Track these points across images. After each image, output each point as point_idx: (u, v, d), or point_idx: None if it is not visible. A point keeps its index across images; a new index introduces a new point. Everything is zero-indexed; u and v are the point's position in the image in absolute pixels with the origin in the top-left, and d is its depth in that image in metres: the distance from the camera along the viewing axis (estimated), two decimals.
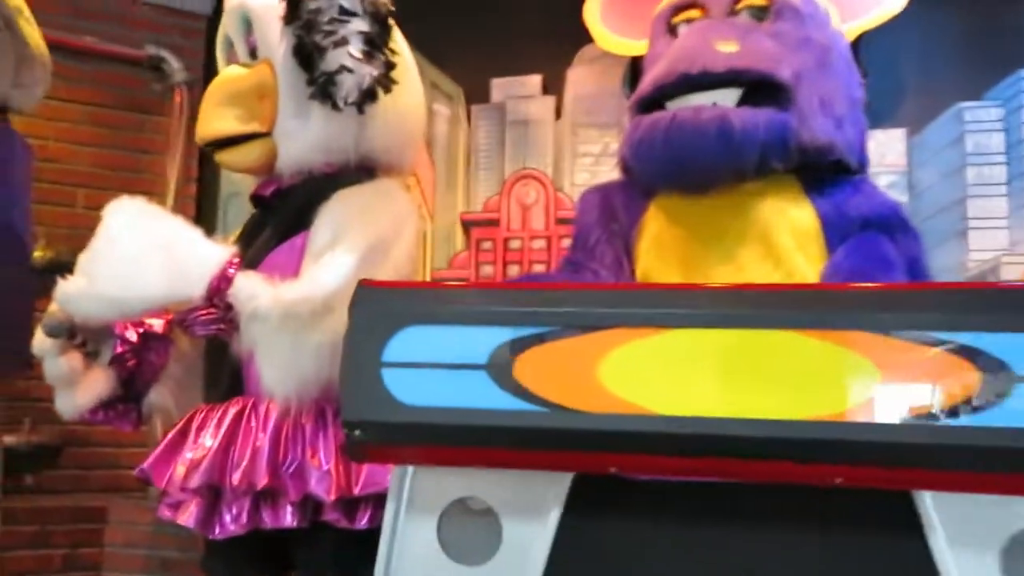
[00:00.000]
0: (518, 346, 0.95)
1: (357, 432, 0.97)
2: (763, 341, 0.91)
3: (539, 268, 2.77)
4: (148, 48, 2.97)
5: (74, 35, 2.85)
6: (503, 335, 0.95)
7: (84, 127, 2.91)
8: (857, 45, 1.76)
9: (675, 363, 0.93)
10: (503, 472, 1.03)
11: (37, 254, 2.53)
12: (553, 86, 2.91)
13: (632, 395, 0.92)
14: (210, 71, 3.11)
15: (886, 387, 0.88)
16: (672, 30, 1.75)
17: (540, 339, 0.94)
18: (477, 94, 2.91)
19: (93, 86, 2.94)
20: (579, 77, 2.85)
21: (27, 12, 2.02)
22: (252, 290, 1.51)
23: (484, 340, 0.95)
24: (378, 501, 1.59)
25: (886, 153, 2.48)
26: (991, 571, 0.93)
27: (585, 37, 2.73)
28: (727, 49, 1.56)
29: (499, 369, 0.94)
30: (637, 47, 2.60)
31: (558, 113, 2.90)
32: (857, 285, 1.15)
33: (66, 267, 2.30)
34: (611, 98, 2.81)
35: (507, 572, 1.03)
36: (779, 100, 1.52)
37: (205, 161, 3.09)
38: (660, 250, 1.63)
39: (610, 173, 2.85)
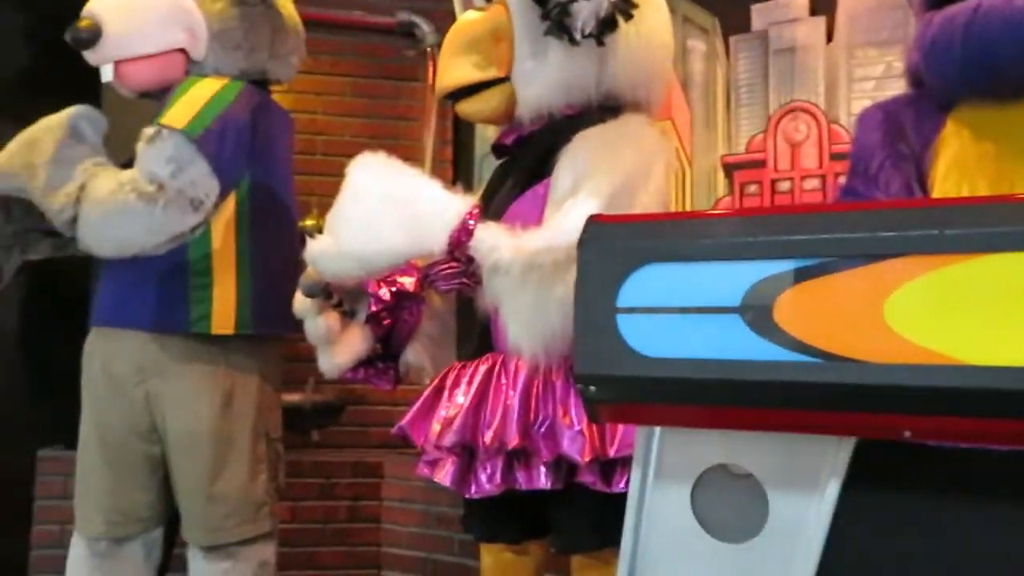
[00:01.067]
0: (778, 284, 0.78)
1: (592, 388, 0.84)
2: None
3: None
4: (400, 14, 3.02)
5: (332, 10, 2.95)
6: (759, 271, 0.78)
7: (347, 99, 3.01)
8: None
9: (987, 298, 0.72)
10: (768, 436, 0.87)
11: (309, 223, 2.65)
12: (822, 5, 2.59)
13: (930, 340, 0.72)
14: None
15: None
16: None
17: (806, 274, 0.77)
18: (735, 23, 2.66)
19: (353, 58, 3.04)
20: None
21: None
22: (493, 241, 1.44)
23: (736, 278, 0.79)
24: None
25: None
26: None
27: None
28: None
29: (756, 312, 0.78)
30: None
31: (829, 36, 2.57)
32: None
33: None
34: (893, 10, 2.46)
35: (776, 552, 0.87)
36: None
37: (459, 123, 3.10)
38: (963, 172, 1.35)
39: None
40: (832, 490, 0.85)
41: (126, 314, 1.89)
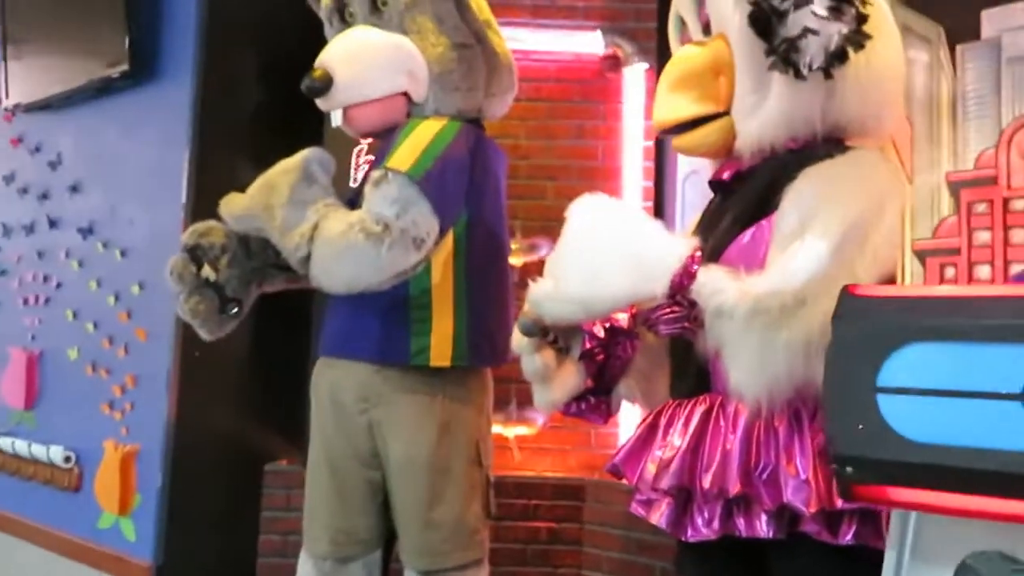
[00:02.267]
0: None
1: (848, 469, 0.81)
2: None
3: None
4: (604, 35, 3.03)
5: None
6: None
7: (549, 122, 3.06)
8: None
9: None
10: None
11: (514, 246, 2.71)
12: None
13: None
14: (663, 53, 3.09)
15: None
16: None
17: None
18: (962, 31, 2.48)
19: (555, 82, 3.08)
20: None
21: (494, 23, 2.14)
22: (716, 285, 1.41)
23: (1016, 362, 0.73)
24: (864, 515, 1.41)
25: None
26: None
27: None
28: None
29: None
30: None
31: None
32: None
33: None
34: None
35: None
36: None
37: (661, 143, 3.07)
38: None
39: None
40: None
41: (352, 346, 2.00)
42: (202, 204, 2.68)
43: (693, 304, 1.43)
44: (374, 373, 1.98)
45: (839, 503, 1.41)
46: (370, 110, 2.02)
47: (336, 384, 2.02)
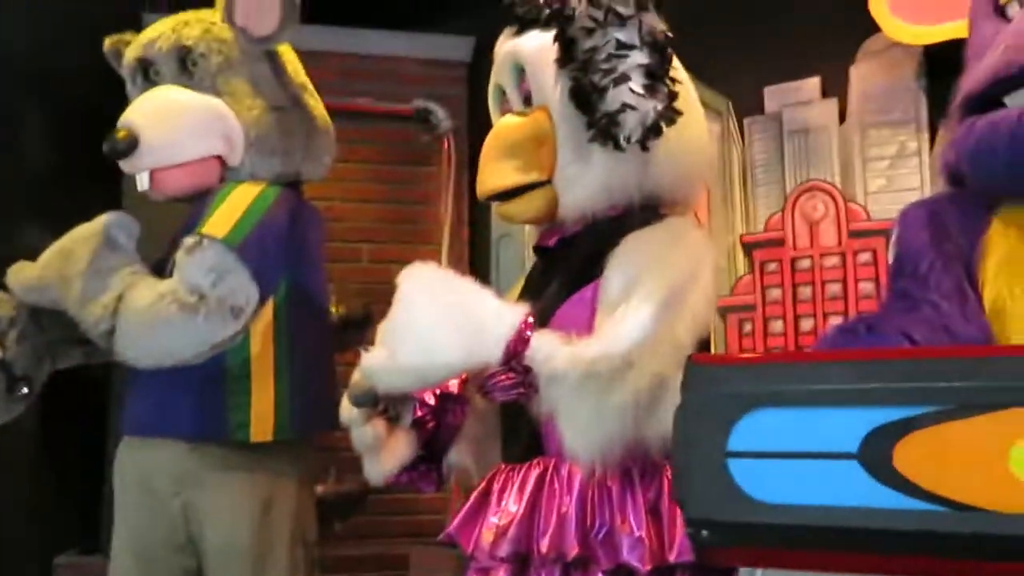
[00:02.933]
0: (897, 430, 0.77)
1: (704, 533, 0.83)
2: None
3: (833, 288, 2.52)
4: (415, 102, 3.06)
5: (348, 98, 2.98)
6: (877, 417, 0.78)
7: (364, 184, 3.05)
8: None
9: None
10: None
11: (331, 310, 2.65)
12: (833, 87, 2.65)
13: None
14: (474, 117, 3.17)
15: None
16: (1000, 11, 1.49)
17: (925, 421, 0.77)
18: (748, 105, 2.72)
19: (369, 144, 3.08)
20: (865, 73, 2.57)
21: (310, 86, 2.11)
22: (549, 350, 1.43)
23: (853, 423, 0.79)
24: (695, 569, 1.47)
25: None
26: None
27: (867, 29, 2.49)
28: None
29: (875, 458, 0.78)
30: (934, 33, 2.30)
31: (842, 116, 2.63)
32: None
33: (357, 322, 2.41)
34: (904, 92, 2.53)
35: None
36: None
37: (475, 204, 3.13)
38: (1012, 272, 1.37)
39: (909, 176, 2.58)
40: None
41: (163, 423, 1.87)
42: None
43: (528, 370, 1.45)
44: (188, 452, 1.85)
45: (671, 558, 1.47)
46: (179, 173, 1.92)
47: (145, 466, 1.88)
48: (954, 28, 2.29)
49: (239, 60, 1.95)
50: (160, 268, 1.91)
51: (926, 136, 2.52)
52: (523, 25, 1.71)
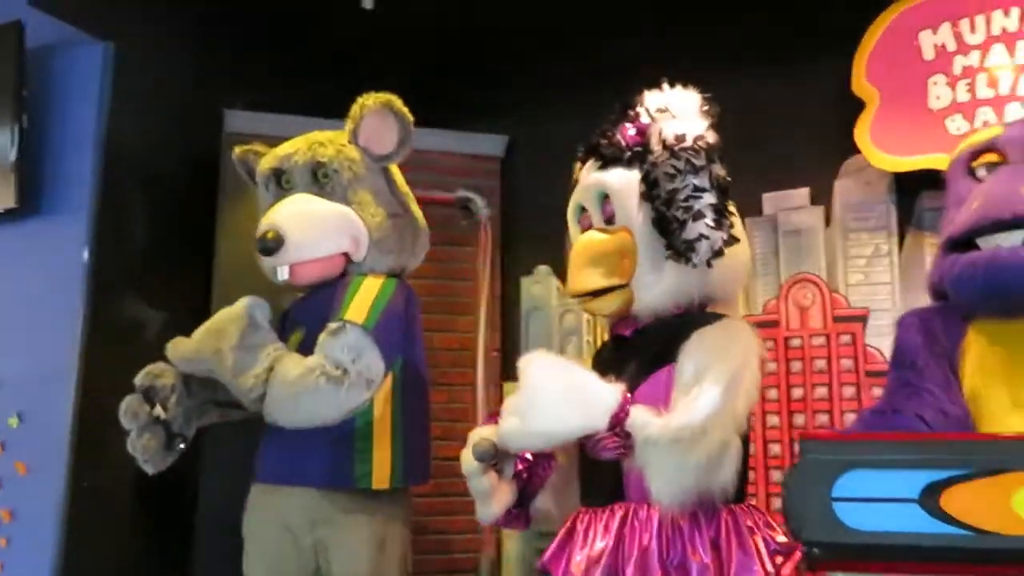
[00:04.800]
0: (943, 484, 1.24)
1: (815, 550, 1.29)
2: None
3: (820, 363, 3.00)
4: (458, 191, 3.50)
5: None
6: (930, 476, 1.25)
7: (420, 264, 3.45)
8: None
9: None
10: None
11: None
12: (820, 197, 3.17)
13: None
14: (506, 206, 3.62)
15: None
16: (971, 172, 2.01)
17: (961, 479, 1.24)
18: (750, 208, 3.19)
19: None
20: (846, 187, 3.09)
21: (411, 195, 2.55)
22: (644, 420, 1.87)
23: (914, 480, 1.25)
24: None
25: None
26: None
27: (849, 150, 3.04)
28: None
29: (929, 502, 1.25)
30: (905, 164, 2.87)
31: (827, 221, 3.16)
32: None
33: None
34: (878, 204, 3.07)
35: None
36: None
37: (507, 282, 3.57)
38: (984, 371, 1.87)
39: (882, 273, 3.10)
40: None
41: (298, 473, 2.25)
42: (96, 339, 2.79)
43: (628, 435, 1.89)
44: (320, 497, 2.24)
45: None
46: (314, 267, 2.34)
47: (283, 509, 2.26)
48: (923, 160, 2.87)
49: (364, 175, 2.38)
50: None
51: (896, 240, 3.04)
52: (607, 161, 2.17)
